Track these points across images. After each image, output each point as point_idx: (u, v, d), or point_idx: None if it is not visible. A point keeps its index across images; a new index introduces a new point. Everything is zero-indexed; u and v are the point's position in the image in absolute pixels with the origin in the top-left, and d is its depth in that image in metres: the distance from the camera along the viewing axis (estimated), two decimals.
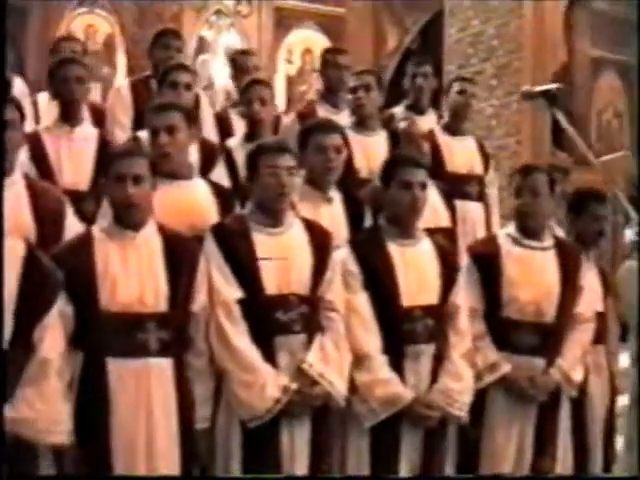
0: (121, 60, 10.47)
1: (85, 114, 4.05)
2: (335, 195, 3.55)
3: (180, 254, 2.92)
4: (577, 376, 3.44)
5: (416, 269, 3.21)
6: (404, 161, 3.25)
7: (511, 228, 3.55)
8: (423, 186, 3.21)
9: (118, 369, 2.75)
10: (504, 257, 3.42)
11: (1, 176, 2.80)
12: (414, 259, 3.23)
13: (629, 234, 4.74)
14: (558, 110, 2.54)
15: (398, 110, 5.26)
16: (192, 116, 3.64)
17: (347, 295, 3.12)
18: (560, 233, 4.07)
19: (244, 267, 2.96)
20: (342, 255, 3.18)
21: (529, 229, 3.48)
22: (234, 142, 4.14)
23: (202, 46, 10.95)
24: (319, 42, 11.21)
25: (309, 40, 11.38)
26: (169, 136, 3.19)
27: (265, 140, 3.33)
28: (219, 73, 10.81)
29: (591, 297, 3.74)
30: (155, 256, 2.88)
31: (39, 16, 10.09)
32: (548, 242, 3.53)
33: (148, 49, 4.69)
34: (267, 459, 2.91)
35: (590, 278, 3.81)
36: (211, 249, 2.98)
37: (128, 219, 2.85)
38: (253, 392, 2.86)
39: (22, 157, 3.31)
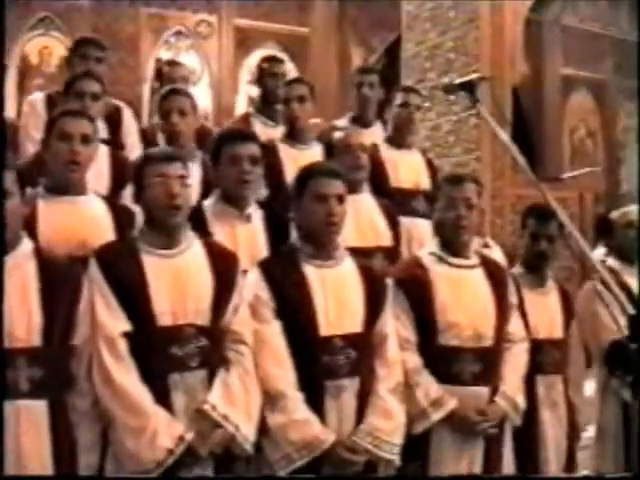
0: None
1: None
2: (255, 213, 3.19)
3: (58, 280, 2.54)
4: (521, 402, 3.12)
5: (336, 293, 2.83)
6: (318, 171, 2.88)
7: (433, 246, 3.18)
8: (340, 199, 2.84)
9: None
10: (432, 279, 3.05)
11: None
12: (334, 282, 2.85)
13: (597, 255, 4.38)
14: (482, 104, 2.19)
15: (341, 123, 4.94)
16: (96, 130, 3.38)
17: (256, 325, 2.74)
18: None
19: (132, 295, 2.57)
20: (251, 280, 2.80)
21: (454, 246, 3.12)
22: None
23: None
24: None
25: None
26: (83, 145, 2.90)
27: (152, 149, 2.96)
28: None
29: (547, 321, 3.41)
30: (27, 284, 2.50)
31: None
32: (474, 259, 3.18)
33: (66, 58, 4.36)
34: None
35: (549, 300, 3.47)
36: (95, 275, 2.59)
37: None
38: (141, 441, 2.46)
39: None
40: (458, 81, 2.46)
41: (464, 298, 3.06)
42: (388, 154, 4.28)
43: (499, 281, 3.16)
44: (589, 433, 3.69)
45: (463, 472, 3.00)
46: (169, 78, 4.59)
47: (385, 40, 10.96)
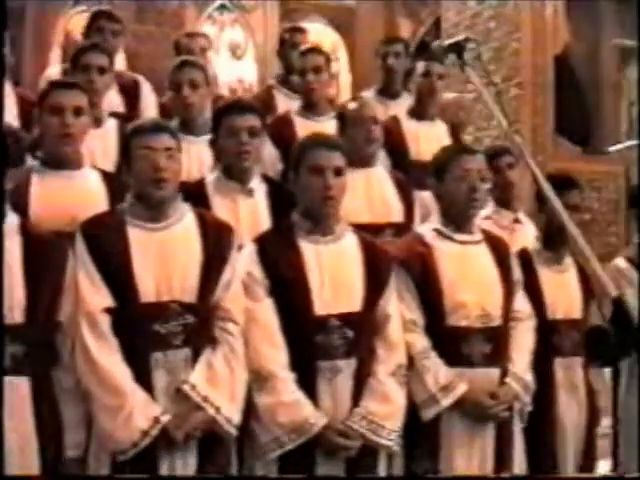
0: (119, 58, 10.12)
1: None
2: (258, 187, 3.08)
3: (43, 257, 2.48)
4: (531, 382, 2.96)
5: (334, 271, 2.70)
6: (314, 143, 2.74)
7: (435, 222, 3.02)
8: (338, 171, 2.70)
9: None
10: (437, 258, 2.89)
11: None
12: (331, 259, 2.72)
13: None
14: (470, 67, 2.03)
15: (367, 94, 4.78)
16: (93, 102, 3.28)
17: (248, 303, 2.63)
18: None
19: (116, 270, 2.49)
20: (245, 255, 2.70)
21: (459, 220, 2.96)
22: None
23: None
24: (327, 36, 10.78)
25: (317, 34, 10.91)
26: (75, 117, 2.82)
27: (140, 121, 2.86)
28: (223, 69, 10.47)
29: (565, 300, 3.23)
30: (11, 259, 2.44)
31: (35, 16, 9.82)
32: (478, 235, 3.01)
33: (83, 33, 4.30)
34: None
35: (567, 279, 3.29)
36: (80, 250, 2.52)
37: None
38: (117, 421, 2.39)
39: None
40: (445, 43, 2.30)
41: (470, 276, 2.90)
42: (409, 126, 4.11)
43: (503, 257, 3.01)
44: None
45: (475, 459, 2.85)
46: (187, 49, 4.49)
47: (434, 12, 10.68)
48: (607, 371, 3.52)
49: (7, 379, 2.37)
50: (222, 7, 10.57)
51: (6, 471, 2.33)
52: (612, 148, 6.37)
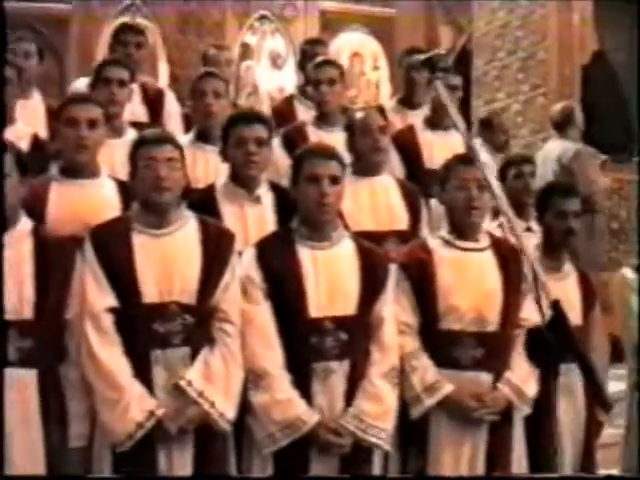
0: (163, 68, 10.40)
1: None
2: (266, 194, 3.21)
3: (53, 258, 2.66)
4: (530, 390, 2.97)
5: (329, 275, 2.82)
6: (311, 152, 2.87)
7: (443, 230, 3.11)
8: (334, 180, 2.82)
9: None
10: (437, 263, 2.98)
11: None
12: (327, 264, 2.83)
13: None
14: (439, 80, 2.14)
15: (389, 104, 4.90)
16: (114, 113, 3.51)
17: (246, 305, 2.77)
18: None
19: (120, 273, 2.66)
20: (245, 259, 2.83)
21: (463, 228, 3.04)
22: (184, 140, 3.84)
23: (246, 52, 10.79)
24: (368, 45, 10.90)
25: (357, 43, 11.05)
26: (90, 130, 3.00)
27: (144, 132, 3.02)
28: (263, 78, 10.65)
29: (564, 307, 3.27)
30: (23, 260, 2.63)
31: (79, 25, 10.10)
32: (484, 242, 3.07)
33: (109, 45, 4.49)
34: None
35: (566, 285, 3.35)
36: (88, 253, 2.70)
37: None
38: (115, 413, 2.56)
39: None
40: (420, 57, 2.41)
41: (469, 281, 2.98)
42: (424, 135, 4.21)
43: (511, 264, 3.05)
44: (615, 430, 3.55)
45: (464, 460, 2.93)
46: (214, 61, 4.64)
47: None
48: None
49: (15, 371, 2.55)
50: (263, 17, 10.76)
51: (8, 470, 2.48)
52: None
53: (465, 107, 6.44)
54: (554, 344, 1.67)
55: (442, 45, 10.92)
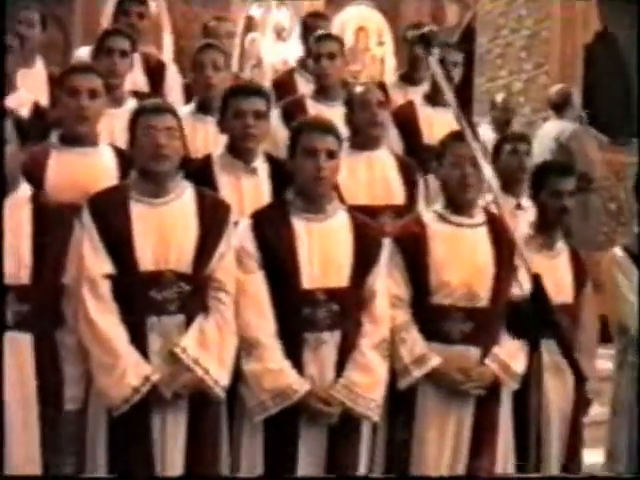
0: (167, 39, 10.36)
1: None
2: (262, 166, 3.24)
3: (51, 224, 2.71)
4: (518, 366, 3.01)
5: (323, 247, 2.86)
6: (308, 126, 2.90)
7: (438, 204, 3.15)
8: (330, 154, 2.85)
9: None
10: (430, 237, 3.02)
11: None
12: (321, 236, 2.87)
13: None
14: (433, 57, 2.16)
15: (391, 80, 4.91)
16: (115, 83, 3.55)
17: (240, 275, 2.81)
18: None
19: (118, 241, 2.70)
20: (240, 230, 2.87)
21: (458, 204, 3.07)
22: (184, 111, 3.87)
23: (250, 24, 10.74)
24: (373, 19, 10.83)
25: (362, 17, 10.98)
26: (90, 99, 3.03)
27: (145, 102, 3.05)
28: (268, 51, 10.62)
29: (555, 284, 3.31)
30: (21, 225, 2.68)
31: None
32: (479, 218, 3.11)
33: (112, 15, 4.50)
34: (135, 448, 2.67)
35: (558, 263, 3.39)
36: (86, 220, 2.74)
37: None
38: (111, 378, 2.61)
39: None
40: (414, 33, 2.44)
41: (461, 257, 3.02)
42: (423, 111, 4.22)
43: (505, 240, 3.07)
44: (601, 409, 3.60)
45: (449, 432, 2.99)
46: (214, 33, 4.65)
47: None
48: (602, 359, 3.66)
49: (10, 334, 2.61)
50: None
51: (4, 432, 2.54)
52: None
53: (468, 85, 6.44)
54: (532, 317, 1.71)
55: (448, 21, 10.89)
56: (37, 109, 3.65)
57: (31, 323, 2.63)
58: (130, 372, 2.61)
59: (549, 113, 5.85)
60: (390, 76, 10.45)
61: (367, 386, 2.82)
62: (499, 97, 5.92)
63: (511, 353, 3.02)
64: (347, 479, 2.87)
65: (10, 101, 3.48)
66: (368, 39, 11.04)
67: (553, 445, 3.28)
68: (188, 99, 4.34)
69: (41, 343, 2.66)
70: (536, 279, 1.74)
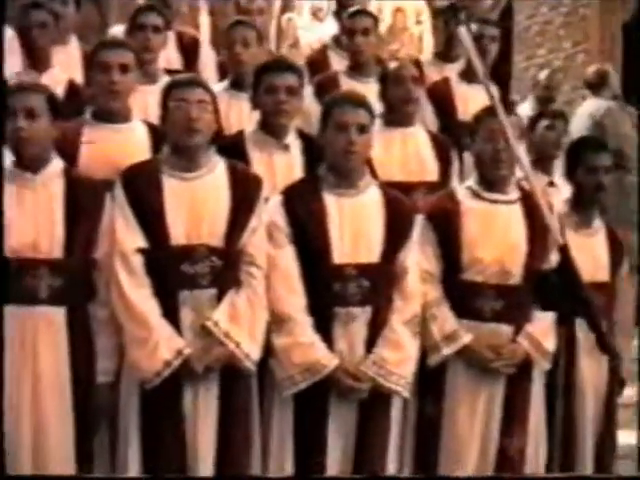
0: (204, 20, 10.36)
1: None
2: (294, 142, 3.23)
3: (83, 199, 2.74)
4: (549, 344, 2.97)
5: (354, 223, 2.85)
6: (340, 100, 2.88)
7: (471, 180, 3.11)
8: (362, 128, 2.83)
9: (10, 317, 2.57)
10: (463, 214, 2.99)
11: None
12: (353, 211, 2.86)
13: None
14: (461, 27, 2.13)
15: (426, 58, 4.87)
16: (148, 59, 3.56)
17: (271, 249, 2.81)
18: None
19: (150, 215, 2.71)
20: (271, 205, 2.87)
21: (492, 180, 3.03)
22: (218, 88, 3.87)
23: (287, 5, 10.71)
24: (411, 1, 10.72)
25: None
26: (122, 74, 3.02)
27: (177, 76, 3.05)
28: (305, 31, 10.58)
29: (591, 263, 3.27)
30: (54, 200, 2.71)
31: None
32: (513, 194, 3.06)
33: None
34: (167, 421, 2.69)
35: (595, 241, 3.33)
36: (118, 195, 2.76)
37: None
38: (144, 352, 2.63)
39: None
40: (443, 4, 2.40)
41: (494, 234, 2.99)
42: (459, 88, 4.19)
43: (539, 218, 3.04)
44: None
45: (480, 410, 2.97)
46: (246, 9, 4.62)
47: None
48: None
49: (44, 309, 2.65)
50: None
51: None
52: None
53: (506, 62, 6.35)
54: (559, 288, 1.68)
55: None
56: (72, 87, 3.68)
57: (64, 297, 2.66)
58: (162, 345, 2.63)
59: (587, 92, 5.75)
60: (428, 54, 10.37)
61: (397, 362, 2.82)
62: (542, 74, 5.85)
63: (543, 331, 2.98)
64: (350, 478, 2.85)
65: (45, 79, 3.52)
66: (406, 19, 10.95)
67: (587, 425, 3.24)
68: (223, 77, 4.35)
69: (74, 316, 2.69)
70: (563, 251, 1.71)
